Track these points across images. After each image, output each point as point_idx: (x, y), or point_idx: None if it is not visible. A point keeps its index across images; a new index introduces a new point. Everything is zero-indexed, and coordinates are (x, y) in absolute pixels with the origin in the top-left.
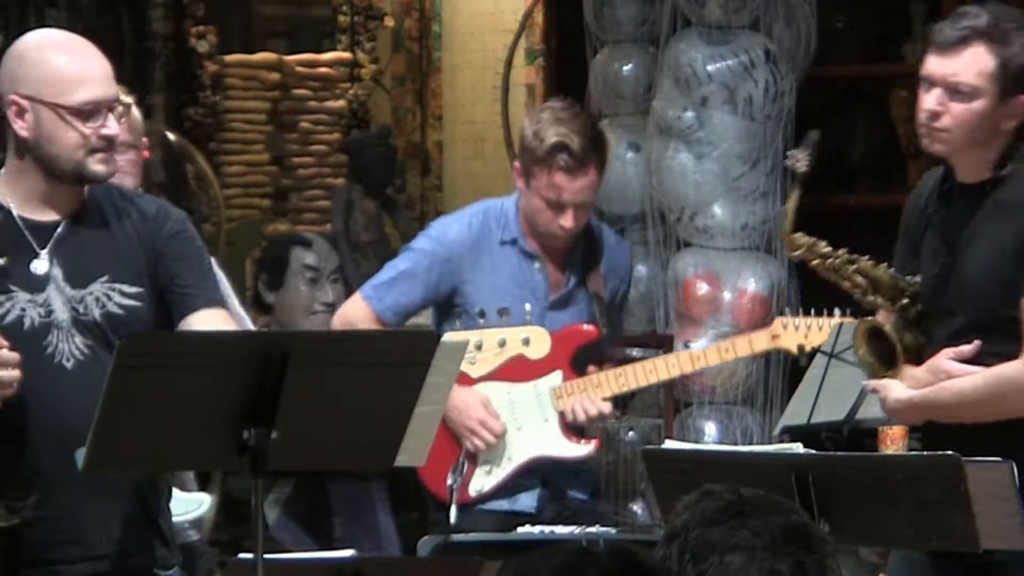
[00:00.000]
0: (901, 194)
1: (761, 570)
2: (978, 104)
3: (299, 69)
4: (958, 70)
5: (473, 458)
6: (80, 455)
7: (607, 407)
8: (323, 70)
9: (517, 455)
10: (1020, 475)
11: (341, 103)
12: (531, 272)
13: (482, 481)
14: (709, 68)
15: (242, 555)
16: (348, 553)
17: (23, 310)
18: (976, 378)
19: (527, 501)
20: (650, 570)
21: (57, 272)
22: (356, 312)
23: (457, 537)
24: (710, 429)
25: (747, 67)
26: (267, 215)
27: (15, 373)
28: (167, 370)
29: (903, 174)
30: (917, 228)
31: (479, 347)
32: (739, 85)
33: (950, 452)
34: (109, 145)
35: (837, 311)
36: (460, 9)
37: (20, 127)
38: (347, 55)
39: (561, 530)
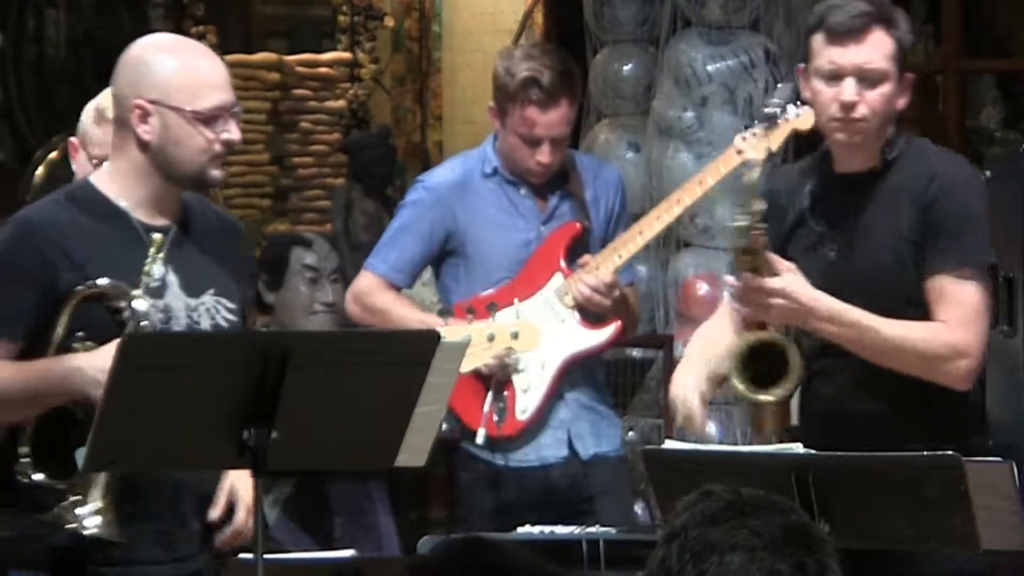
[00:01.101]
0: None
1: (761, 570)
2: (886, 88)
3: (299, 69)
4: (869, 57)
5: (510, 385)
6: (80, 454)
7: (607, 276)
8: (323, 70)
9: (549, 363)
10: (1020, 475)
11: (341, 103)
12: (518, 198)
13: (524, 401)
14: (709, 68)
15: (242, 555)
16: (348, 553)
17: (144, 311)
18: (895, 323)
19: (548, 452)
20: (497, 557)
21: (174, 279)
22: (363, 283)
23: (457, 537)
24: (710, 429)
25: (747, 67)
26: (267, 215)
27: None
28: (167, 370)
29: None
30: (780, 219)
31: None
32: (739, 85)
33: (950, 452)
34: (227, 151)
35: (789, 106)
36: (460, 9)
37: (144, 131)
38: (347, 55)
39: (561, 530)
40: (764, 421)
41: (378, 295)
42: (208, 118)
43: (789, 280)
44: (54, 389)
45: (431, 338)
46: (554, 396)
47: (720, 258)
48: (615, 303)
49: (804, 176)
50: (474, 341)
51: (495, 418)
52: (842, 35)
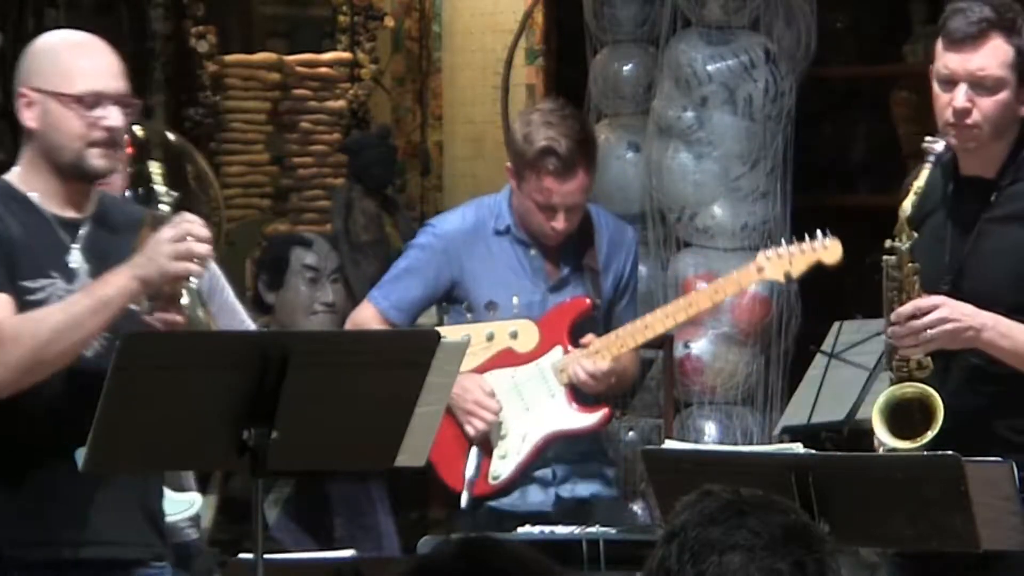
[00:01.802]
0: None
1: (761, 569)
2: (1003, 96)
3: (299, 69)
4: (984, 64)
5: (488, 447)
6: (80, 455)
7: (605, 364)
8: (323, 70)
9: (530, 435)
10: (1020, 475)
11: (341, 103)
12: (527, 258)
13: (499, 467)
14: (709, 68)
15: (242, 555)
16: (348, 553)
17: (60, 297)
18: None
19: (540, 499)
20: (502, 559)
21: (85, 268)
22: (363, 314)
23: (457, 537)
24: (710, 429)
25: (747, 67)
26: (267, 215)
27: (208, 248)
28: (167, 370)
29: (903, 174)
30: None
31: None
32: (739, 85)
33: (950, 452)
34: (110, 139)
35: (819, 232)
36: (460, 9)
37: (28, 118)
38: (347, 55)
39: (561, 530)
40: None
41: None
42: (85, 101)
43: (944, 300)
44: (108, 295)
45: (431, 338)
46: (529, 468)
47: (720, 258)
48: (609, 389)
49: (943, 174)
50: (473, 340)
51: (469, 475)
52: (958, 41)
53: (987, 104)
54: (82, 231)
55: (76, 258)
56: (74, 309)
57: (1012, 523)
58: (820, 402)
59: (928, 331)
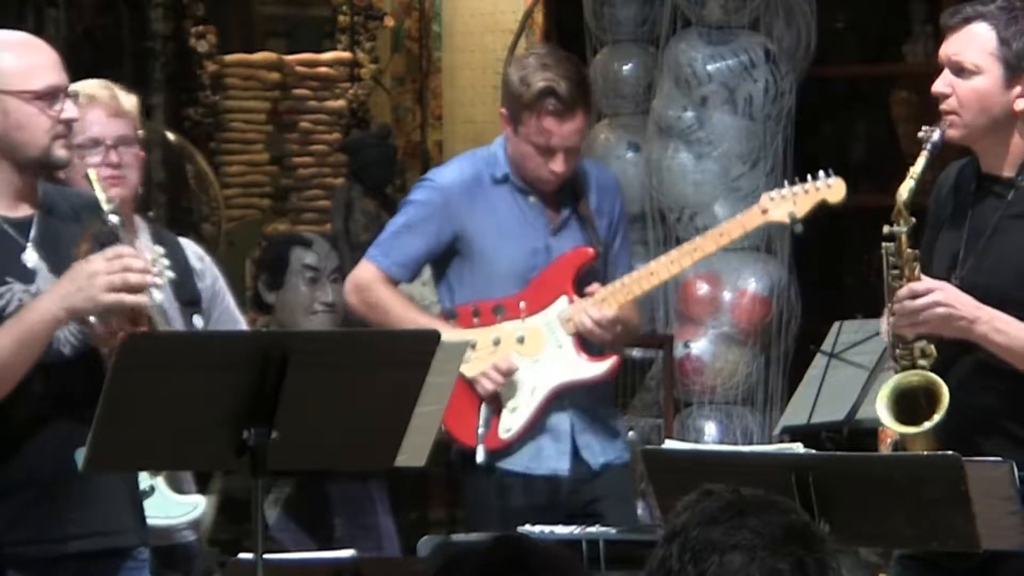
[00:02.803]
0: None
1: (761, 569)
2: (981, 82)
3: (299, 69)
4: (960, 48)
5: (498, 402)
6: (80, 455)
7: (611, 312)
8: (323, 70)
9: (540, 387)
10: (1020, 475)
11: (341, 103)
12: (527, 206)
13: (509, 421)
14: (709, 68)
15: (242, 555)
16: (348, 553)
17: (20, 300)
18: None
19: (555, 463)
20: (536, 558)
21: (42, 264)
22: (363, 274)
23: (457, 537)
24: (710, 429)
25: (747, 67)
26: (267, 215)
27: (142, 277)
28: (167, 370)
29: (903, 174)
30: (937, 218)
31: (472, 346)
32: (739, 85)
33: (950, 452)
34: (68, 130)
35: (821, 173)
36: (460, 9)
37: None
38: (347, 55)
39: (561, 530)
40: (914, 445)
41: (379, 289)
42: (45, 96)
43: (943, 285)
44: (35, 323)
45: (431, 338)
46: (541, 419)
47: (720, 258)
48: (616, 338)
49: (968, 173)
50: (479, 344)
51: (480, 430)
52: (945, 28)
53: (963, 89)
54: (34, 228)
55: (31, 256)
56: (1, 339)
57: (1012, 523)
58: (820, 402)
59: (921, 313)
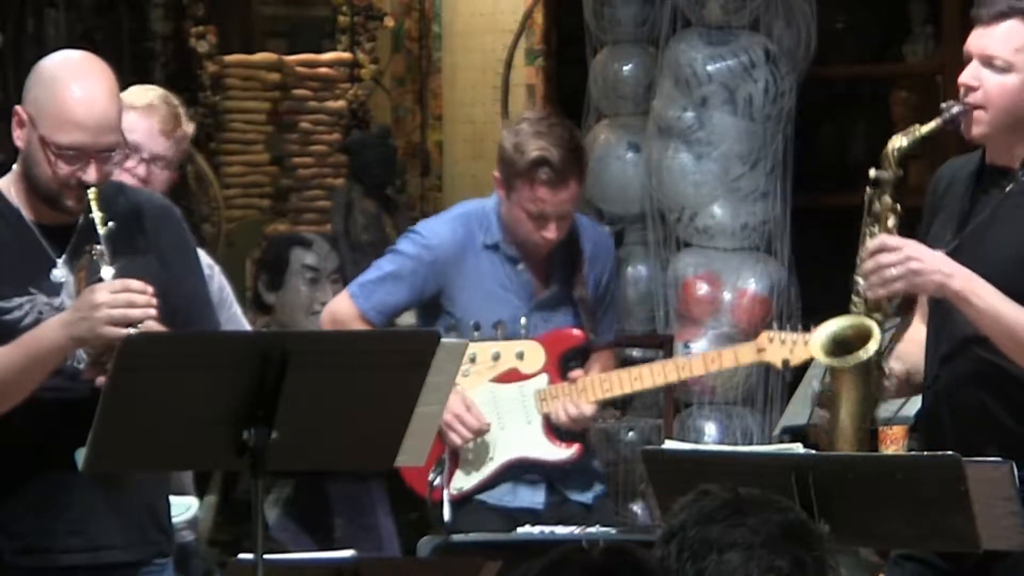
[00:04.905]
0: (901, 193)
1: (760, 567)
2: (1011, 79)
3: (299, 69)
4: (992, 43)
5: (455, 457)
6: (80, 455)
7: (590, 410)
8: (323, 70)
9: (499, 455)
10: (1020, 475)
11: (341, 103)
12: (514, 274)
13: (462, 481)
14: (709, 68)
15: (242, 555)
16: (348, 553)
17: (41, 313)
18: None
19: (531, 498)
20: (644, 568)
21: (71, 279)
22: (342, 309)
23: (457, 537)
24: (710, 429)
25: (747, 67)
26: (267, 215)
27: (144, 312)
28: (167, 370)
29: (903, 174)
30: (933, 212)
31: (473, 360)
32: (739, 85)
33: (950, 452)
34: (82, 189)
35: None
36: (460, 9)
37: (17, 136)
38: (347, 55)
39: (561, 530)
40: (841, 380)
41: (354, 327)
42: (63, 154)
43: (917, 243)
44: (43, 351)
45: (431, 338)
46: (493, 484)
47: (720, 258)
48: (573, 426)
49: (970, 161)
50: (479, 359)
51: (431, 479)
52: (978, 21)
53: (992, 84)
54: (72, 240)
55: (62, 271)
56: (5, 363)
57: (1012, 523)
58: None
59: (892, 269)
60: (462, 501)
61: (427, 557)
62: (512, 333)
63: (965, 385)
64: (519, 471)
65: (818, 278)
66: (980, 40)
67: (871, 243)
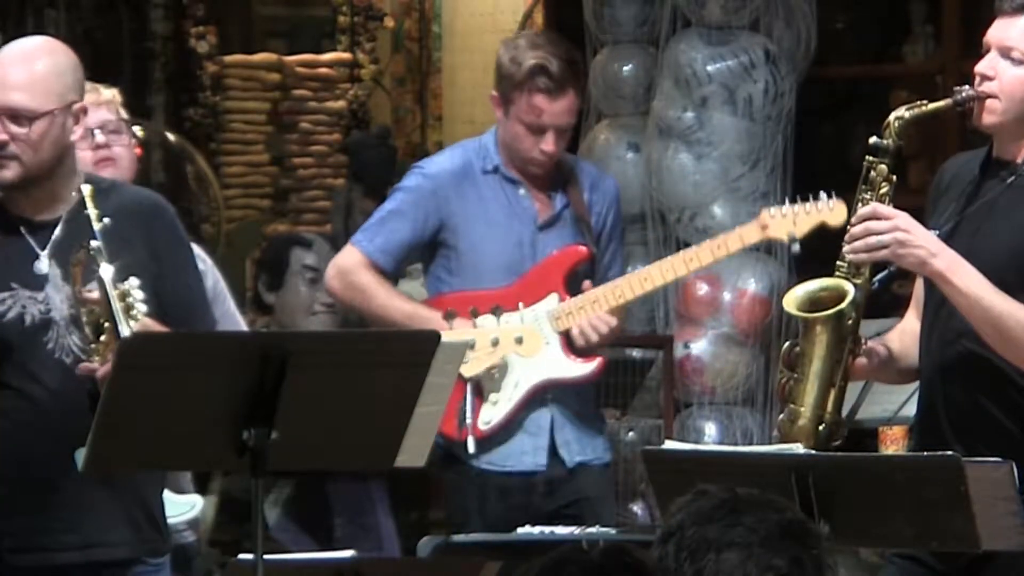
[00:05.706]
0: (901, 194)
1: (758, 566)
2: None
3: (299, 69)
4: (1012, 35)
5: (479, 392)
6: (80, 455)
7: (614, 320)
8: (323, 70)
9: (523, 382)
10: (1020, 475)
11: (341, 103)
12: (516, 198)
13: (490, 413)
14: (709, 68)
15: (242, 555)
16: (348, 553)
17: (24, 307)
18: (1014, 301)
19: (532, 459)
20: (643, 568)
21: (56, 272)
22: (347, 259)
23: (457, 537)
24: (710, 429)
25: (747, 67)
26: (267, 215)
27: None
28: (167, 370)
29: (903, 174)
30: (935, 206)
31: (471, 346)
32: (739, 85)
33: (950, 452)
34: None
35: (823, 194)
36: (460, 9)
37: None
38: (347, 55)
39: (561, 530)
40: (811, 332)
41: (362, 274)
42: None
43: (908, 217)
44: None
45: (431, 339)
46: (521, 413)
47: None
48: (601, 340)
49: (975, 156)
50: (478, 344)
51: (457, 421)
52: (1001, 12)
53: (1009, 76)
54: (55, 234)
55: (44, 264)
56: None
57: (1012, 523)
58: None
59: (879, 236)
60: (466, 467)
61: (427, 557)
62: (516, 261)
63: (957, 380)
64: (543, 398)
65: (818, 278)
66: (1000, 31)
67: (863, 209)
